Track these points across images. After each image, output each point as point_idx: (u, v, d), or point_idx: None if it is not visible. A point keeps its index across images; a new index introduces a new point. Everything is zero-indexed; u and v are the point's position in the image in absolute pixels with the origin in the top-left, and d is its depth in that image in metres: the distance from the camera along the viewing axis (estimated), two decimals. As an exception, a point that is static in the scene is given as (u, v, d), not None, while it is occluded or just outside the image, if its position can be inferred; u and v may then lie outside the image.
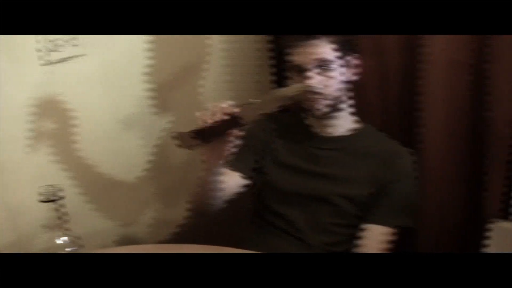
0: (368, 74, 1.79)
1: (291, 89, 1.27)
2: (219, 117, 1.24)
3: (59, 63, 1.44)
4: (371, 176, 1.52)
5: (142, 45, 1.66)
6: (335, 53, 1.46)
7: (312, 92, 1.45)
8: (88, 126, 1.56)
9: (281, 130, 1.64)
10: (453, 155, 1.79)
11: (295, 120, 1.64)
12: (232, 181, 1.57)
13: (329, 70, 1.45)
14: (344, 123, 1.57)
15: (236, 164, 1.58)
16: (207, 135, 1.27)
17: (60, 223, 1.09)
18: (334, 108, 1.50)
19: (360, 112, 1.64)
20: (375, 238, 1.51)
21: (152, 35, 1.67)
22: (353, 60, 1.53)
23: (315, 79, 1.44)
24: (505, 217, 1.72)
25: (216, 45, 1.91)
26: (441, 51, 1.68)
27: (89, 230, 1.62)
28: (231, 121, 1.24)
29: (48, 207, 1.07)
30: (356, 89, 1.60)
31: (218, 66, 1.95)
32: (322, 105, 1.48)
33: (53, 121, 1.47)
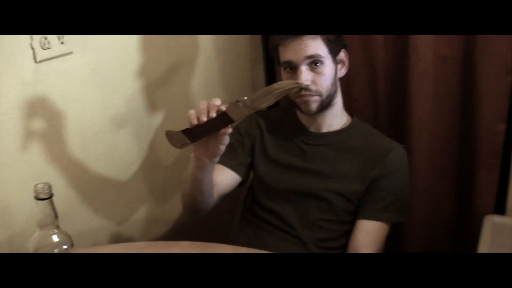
0: (357, 70, 1.80)
1: (282, 85, 1.27)
2: (210, 114, 1.24)
3: (49, 61, 1.43)
4: (363, 171, 1.52)
5: (133, 42, 1.66)
6: (325, 50, 1.46)
7: (303, 88, 1.46)
8: (79, 124, 1.55)
9: (272, 127, 1.64)
10: (443, 150, 1.81)
11: (286, 116, 1.65)
12: (224, 178, 1.58)
13: (319, 66, 1.46)
14: (335, 119, 1.58)
15: (227, 161, 1.58)
16: (198, 133, 1.27)
17: (52, 221, 1.09)
18: (324, 104, 1.51)
19: (349, 107, 1.65)
20: (368, 233, 1.51)
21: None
22: (342, 55, 1.54)
23: (306, 76, 1.45)
24: (500, 212, 1.74)
25: (207, 42, 1.92)
26: (429, 46, 1.69)
27: (82, 228, 1.62)
28: (222, 119, 1.24)
29: (41, 205, 1.07)
30: (345, 84, 1.61)
31: (209, 63, 1.95)
32: (313, 102, 1.49)
33: (44, 120, 1.46)
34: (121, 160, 1.72)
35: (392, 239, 1.62)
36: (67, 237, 1.12)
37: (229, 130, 1.27)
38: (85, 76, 1.54)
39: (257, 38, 2.05)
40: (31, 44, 1.38)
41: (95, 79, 1.57)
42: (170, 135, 1.29)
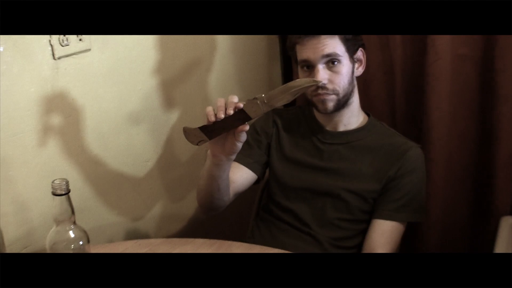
0: (374, 68, 1.79)
1: (299, 83, 1.27)
2: (227, 111, 1.24)
3: (67, 58, 1.44)
4: (379, 171, 1.51)
5: (150, 40, 1.66)
6: (343, 48, 1.46)
7: (320, 87, 1.45)
8: (97, 121, 1.56)
9: (288, 125, 1.64)
10: (461, 150, 1.79)
11: (302, 115, 1.64)
12: (240, 176, 1.58)
13: (336, 65, 1.45)
14: (352, 118, 1.57)
15: (244, 159, 1.58)
16: (216, 130, 1.27)
17: (69, 216, 1.10)
18: (341, 103, 1.50)
19: (366, 106, 1.64)
20: (383, 233, 1.50)
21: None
22: (360, 54, 1.53)
23: (323, 74, 1.45)
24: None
25: (224, 39, 1.92)
26: (448, 44, 1.67)
27: (98, 224, 1.63)
28: (239, 116, 1.24)
29: (58, 200, 1.07)
30: (362, 83, 1.60)
31: (226, 60, 1.95)
32: (329, 100, 1.48)
33: (61, 116, 1.47)
34: (138, 157, 1.72)
35: (408, 239, 1.61)
36: (83, 233, 1.13)
37: (247, 127, 1.27)
38: (103, 72, 1.55)
39: (274, 36, 2.05)
40: (50, 41, 1.39)
41: (112, 76, 1.58)
42: (187, 132, 1.29)
